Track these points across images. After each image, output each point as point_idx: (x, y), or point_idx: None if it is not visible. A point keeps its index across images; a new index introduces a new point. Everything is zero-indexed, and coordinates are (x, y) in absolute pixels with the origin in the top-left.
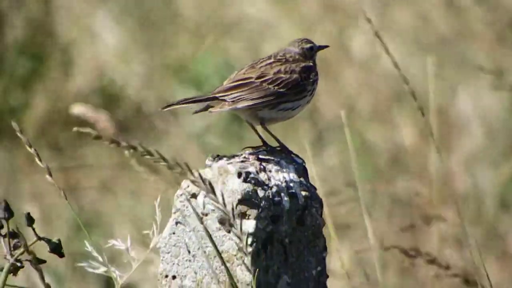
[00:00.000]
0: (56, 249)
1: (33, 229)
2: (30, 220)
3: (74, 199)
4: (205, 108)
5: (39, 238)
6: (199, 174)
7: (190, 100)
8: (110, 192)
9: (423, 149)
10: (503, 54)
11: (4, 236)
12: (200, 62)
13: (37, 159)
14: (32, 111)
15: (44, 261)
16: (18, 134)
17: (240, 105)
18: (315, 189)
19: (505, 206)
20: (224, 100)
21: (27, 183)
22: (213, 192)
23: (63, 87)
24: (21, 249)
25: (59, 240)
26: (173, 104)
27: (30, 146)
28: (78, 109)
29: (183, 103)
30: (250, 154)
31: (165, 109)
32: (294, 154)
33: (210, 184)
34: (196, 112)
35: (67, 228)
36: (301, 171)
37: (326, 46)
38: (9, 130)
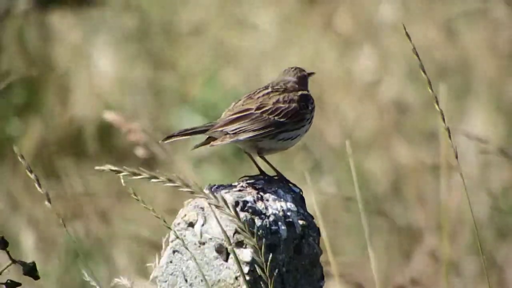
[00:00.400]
0: (31, 272)
1: (7, 252)
2: (3, 244)
3: (72, 226)
4: (206, 142)
5: (14, 261)
6: (212, 191)
7: (190, 131)
8: (108, 220)
9: (421, 177)
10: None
11: None
12: (200, 90)
13: (36, 185)
14: (29, 139)
15: (19, 284)
16: (20, 159)
17: (242, 137)
18: (313, 218)
19: (503, 235)
20: (226, 132)
21: (23, 210)
22: (229, 208)
23: (60, 115)
24: None
25: (33, 262)
26: (173, 136)
27: (31, 172)
28: (110, 117)
29: (183, 135)
30: (247, 183)
31: (166, 141)
32: (291, 183)
33: (224, 200)
34: (197, 146)
35: (64, 256)
36: (299, 200)
37: (312, 73)
38: (5, 158)
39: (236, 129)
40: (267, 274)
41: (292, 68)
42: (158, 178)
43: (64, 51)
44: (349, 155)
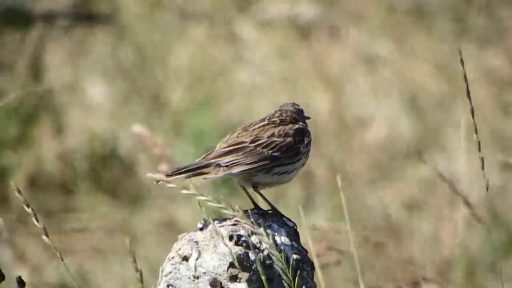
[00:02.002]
0: None
1: None
2: (21, 284)
3: (64, 262)
4: (199, 173)
5: None
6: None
7: (184, 170)
8: (100, 255)
9: (414, 214)
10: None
11: None
12: (193, 121)
13: (34, 220)
14: (21, 173)
15: None
16: (16, 194)
17: (235, 170)
18: (307, 252)
19: (496, 271)
20: (218, 165)
21: (15, 245)
22: (265, 232)
23: (52, 149)
24: None
25: None
26: (167, 176)
27: (28, 206)
28: (137, 129)
29: (177, 174)
30: (241, 217)
31: (160, 182)
32: (285, 217)
33: (256, 221)
34: (189, 176)
35: None
36: (293, 234)
37: (308, 118)
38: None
39: (229, 161)
40: None
41: (291, 103)
42: (204, 196)
43: (57, 83)
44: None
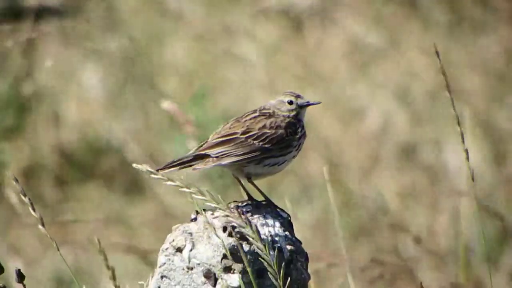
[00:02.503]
0: None
1: (24, 286)
2: (20, 277)
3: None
4: (191, 164)
5: None
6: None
7: (177, 162)
8: (95, 246)
9: (408, 205)
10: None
11: None
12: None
13: (30, 209)
14: (16, 164)
15: None
16: (14, 183)
17: (225, 161)
18: (301, 243)
19: (491, 262)
20: (209, 156)
21: (9, 237)
22: (251, 228)
23: (48, 139)
24: None
25: None
26: (160, 169)
27: (25, 195)
28: (167, 105)
29: (170, 167)
30: (235, 208)
31: (154, 176)
32: (279, 208)
33: (247, 219)
34: (181, 168)
35: (50, 283)
36: (287, 225)
37: (317, 103)
38: None
39: (219, 153)
40: None
41: (288, 92)
42: (189, 188)
43: (53, 75)
44: (327, 181)
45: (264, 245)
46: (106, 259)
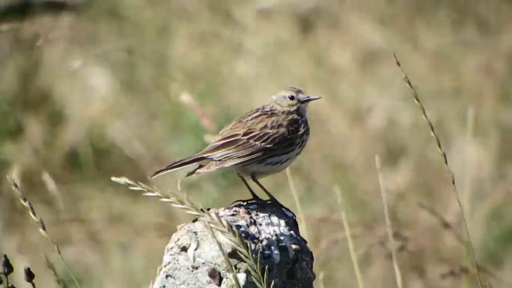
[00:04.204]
0: None
1: (33, 285)
2: (29, 275)
3: (64, 253)
4: (195, 169)
5: None
6: (216, 214)
7: (179, 163)
8: (100, 245)
9: (414, 201)
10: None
11: None
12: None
13: (31, 213)
14: (21, 164)
15: None
16: (13, 188)
17: (228, 164)
18: (306, 242)
19: (494, 261)
20: (212, 159)
21: (15, 236)
22: (232, 232)
23: (52, 139)
24: None
25: None
26: (162, 170)
27: (25, 200)
28: (185, 99)
29: (172, 168)
30: (240, 207)
31: (155, 176)
32: (284, 207)
33: (227, 222)
34: (189, 174)
35: (55, 284)
36: (292, 224)
37: (318, 98)
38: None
39: (222, 155)
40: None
41: (289, 87)
42: (169, 198)
43: (58, 74)
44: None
45: (278, 243)
46: (55, 273)
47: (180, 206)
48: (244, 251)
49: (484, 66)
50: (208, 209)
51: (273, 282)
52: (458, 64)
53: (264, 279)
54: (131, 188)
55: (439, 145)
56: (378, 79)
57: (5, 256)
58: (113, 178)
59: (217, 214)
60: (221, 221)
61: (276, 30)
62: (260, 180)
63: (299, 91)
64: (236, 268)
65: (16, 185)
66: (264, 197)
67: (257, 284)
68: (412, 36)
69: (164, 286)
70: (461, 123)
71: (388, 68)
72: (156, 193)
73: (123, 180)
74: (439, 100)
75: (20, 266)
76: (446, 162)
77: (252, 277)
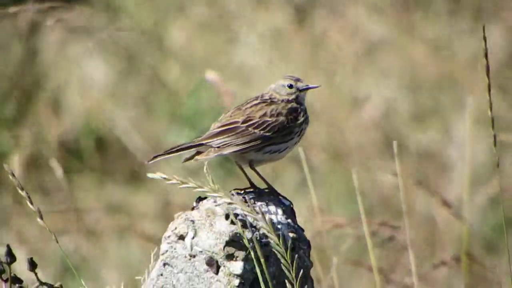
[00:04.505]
0: None
1: (35, 274)
2: (32, 265)
3: (62, 241)
4: (193, 155)
5: (41, 283)
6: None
7: (176, 149)
8: (97, 235)
9: (412, 192)
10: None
11: (6, 281)
12: (191, 101)
13: (28, 202)
14: (20, 153)
15: None
16: (10, 177)
17: (226, 151)
18: (303, 230)
19: (492, 249)
20: (211, 146)
21: (13, 225)
22: (264, 220)
23: (50, 128)
24: None
25: (61, 285)
26: (159, 155)
27: (22, 189)
28: (211, 76)
29: (169, 153)
30: (238, 195)
31: (151, 161)
32: (282, 196)
33: (262, 212)
34: (187, 159)
35: (54, 272)
36: (289, 213)
37: (317, 86)
38: None
39: (220, 143)
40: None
41: (288, 76)
42: (203, 188)
43: (56, 63)
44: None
45: (277, 231)
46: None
47: (216, 195)
48: (275, 238)
49: (479, 56)
50: (205, 198)
51: (301, 271)
52: (455, 53)
53: (293, 267)
54: (167, 182)
55: (493, 126)
56: (375, 67)
57: (8, 246)
58: (149, 175)
59: (239, 195)
60: (264, 216)
61: (273, 19)
62: (258, 168)
63: (297, 80)
64: (233, 256)
65: (13, 175)
66: (262, 185)
67: (286, 272)
68: (409, 25)
69: (161, 275)
70: (459, 111)
71: (385, 57)
72: (192, 184)
73: (158, 175)
74: (437, 89)
75: (19, 255)
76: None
77: (279, 255)
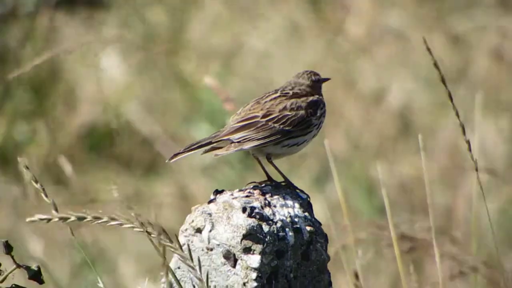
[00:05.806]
0: (36, 276)
1: (12, 257)
2: (8, 248)
3: (79, 233)
4: (212, 149)
5: (18, 266)
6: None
7: (196, 146)
8: (115, 227)
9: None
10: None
11: None
12: (207, 94)
13: (43, 195)
14: (36, 145)
15: None
16: (24, 171)
17: (246, 146)
18: (320, 224)
19: (509, 242)
20: (230, 141)
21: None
22: (190, 259)
23: (67, 121)
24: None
25: (38, 267)
26: (179, 153)
27: (36, 182)
28: (209, 81)
29: (189, 150)
30: (255, 189)
31: (172, 160)
32: (299, 189)
33: (189, 251)
34: (206, 151)
35: (72, 264)
36: (306, 206)
37: (328, 79)
38: (14, 164)
39: (241, 137)
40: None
41: (306, 71)
42: (101, 219)
43: (72, 56)
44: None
45: (292, 225)
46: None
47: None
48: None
49: (497, 50)
50: (222, 191)
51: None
52: (472, 46)
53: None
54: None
55: (464, 131)
56: (392, 61)
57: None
58: (28, 220)
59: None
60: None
61: (290, 10)
62: (275, 161)
63: (314, 73)
64: (250, 250)
65: (27, 168)
66: (279, 178)
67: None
68: (424, 17)
69: (179, 267)
70: (476, 106)
71: (402, 49)
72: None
73: (37, 217)
74: (452, 82)
75: (36, 247)
76: (470, 149)
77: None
